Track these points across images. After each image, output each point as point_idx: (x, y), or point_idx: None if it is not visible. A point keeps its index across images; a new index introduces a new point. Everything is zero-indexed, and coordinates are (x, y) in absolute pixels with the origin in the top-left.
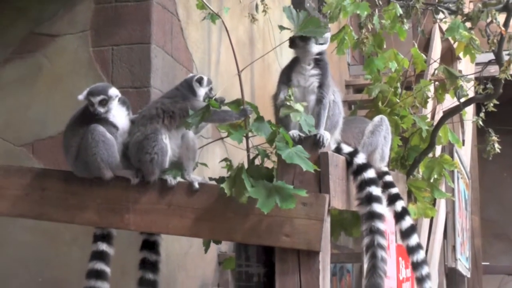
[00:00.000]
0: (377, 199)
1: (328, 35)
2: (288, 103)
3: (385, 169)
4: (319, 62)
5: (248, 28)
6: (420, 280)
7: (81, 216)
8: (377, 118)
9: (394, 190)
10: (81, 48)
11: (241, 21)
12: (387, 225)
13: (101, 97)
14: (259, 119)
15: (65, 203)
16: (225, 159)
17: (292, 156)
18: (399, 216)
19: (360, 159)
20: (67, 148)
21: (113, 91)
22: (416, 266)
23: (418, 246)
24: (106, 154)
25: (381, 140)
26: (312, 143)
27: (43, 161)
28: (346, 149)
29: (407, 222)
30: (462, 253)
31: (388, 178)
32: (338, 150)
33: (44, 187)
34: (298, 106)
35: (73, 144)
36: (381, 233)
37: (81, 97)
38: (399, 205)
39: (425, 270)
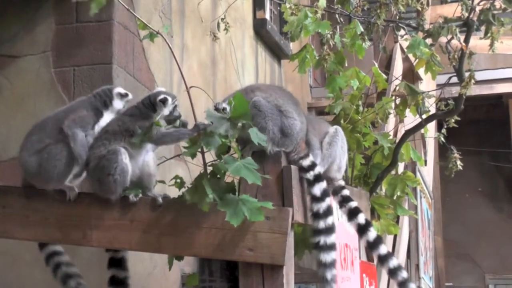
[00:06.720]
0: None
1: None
2: None
3: (342, 183)
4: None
5: (210, 49)
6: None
7: (43, 233)
8: (332, 129)
9: (353, 204)
10: (43, 69)
11: (203, 42)
12: (351, 240)
13: None
14: (210, 133)
15: (26, 220)
16: (176, 177)
17: (240, 169)
18: (363, 229)
19: (311, 174)
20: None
21: None
22: (393, 272)
23: (389, 254)
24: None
25: (338, 150)
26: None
27: (4, 183)
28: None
29: (373, 233)
30: (426, 272)
31: (345, 192)
32: None
33: (4, 204)
34: None
35: (33, 165)
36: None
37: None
38: (362, 217)
39: (403, 274)
